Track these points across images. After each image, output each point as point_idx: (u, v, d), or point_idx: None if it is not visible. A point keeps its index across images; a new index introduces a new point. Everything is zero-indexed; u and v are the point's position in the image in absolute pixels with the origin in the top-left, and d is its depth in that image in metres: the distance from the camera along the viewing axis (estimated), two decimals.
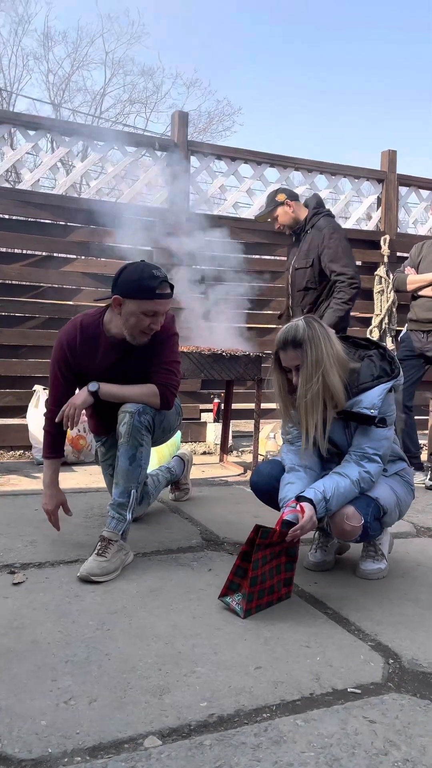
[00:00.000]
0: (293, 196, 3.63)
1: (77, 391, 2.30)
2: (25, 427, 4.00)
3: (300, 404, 2.01)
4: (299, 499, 1.95)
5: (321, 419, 2.01)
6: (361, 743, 1.29)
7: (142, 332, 2.22)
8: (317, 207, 3.61)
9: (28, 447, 4.05)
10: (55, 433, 2.42)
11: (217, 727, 1.33)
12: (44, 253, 4.37)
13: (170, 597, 1.97)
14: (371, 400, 2.01)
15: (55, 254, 4.38)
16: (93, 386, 2.24)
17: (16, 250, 4.51)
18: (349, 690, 1.49)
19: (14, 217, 4.22)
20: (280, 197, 3.58)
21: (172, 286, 2.22)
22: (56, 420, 2.27)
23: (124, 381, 2.29)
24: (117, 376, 2.30)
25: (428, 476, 3.73)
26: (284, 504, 2.04)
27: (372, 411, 2.01)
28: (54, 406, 2.40)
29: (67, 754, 1.23)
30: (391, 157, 5.32)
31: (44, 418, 2.42)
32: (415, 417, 3.98)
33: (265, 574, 1.89)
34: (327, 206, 5.16)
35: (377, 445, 2.05)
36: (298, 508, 1.91)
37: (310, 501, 1.92)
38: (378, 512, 2.05)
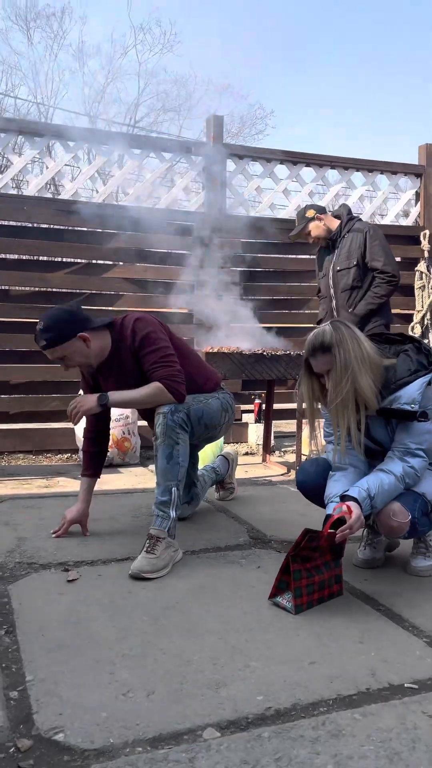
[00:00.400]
0: (321, 210, 3.78)
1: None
2: (71, 431, 4.09)
3: (331, 408, 2.01)
4: (344, 498, 1.94)
5: (354, 421, 2.00)
6: (422, 738, 1.28)
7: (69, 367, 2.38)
8: (350, 214, 3.78)
9: (75, 450, 4.13)
10: (92, 451, 2.52)
11: (274, 720, 1.34)
12: (85, 261, 4.46)
13: (220, 593, 1.98)
14: (410, 395, 1.99)
15: (97, 261, 4.47)
16: (102, 398, 2.26)
17: (58, 259, 4.61)
18: (405, 685, 1.48)
19: (55, 227, 4.32)
20: (310, 213, 3.73)
21: (47, 338, 2.25)
22: (68, 412, 2.32)
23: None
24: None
25: None
26: (329, 501, 2.04)
27: (412, 406, 1.98)
28: (92, 428, 2.51)
29: (128, 744, 1.26)
30: (429, 150, 5.24)
31: (83, 438, 2.52)
32: None
33: (311, 569, 1.89)
34: (365, 203, 5.14)
35: (419, 440, 2.03)
36: (344, 508, 1.90)
37: (355, 500, 1.91)
38: (426, 507, 2.02)
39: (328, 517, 1.96)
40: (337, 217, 3.76)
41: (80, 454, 4.02)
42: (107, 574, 2.13)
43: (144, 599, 1.93)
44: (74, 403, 2.29)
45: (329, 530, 1.87)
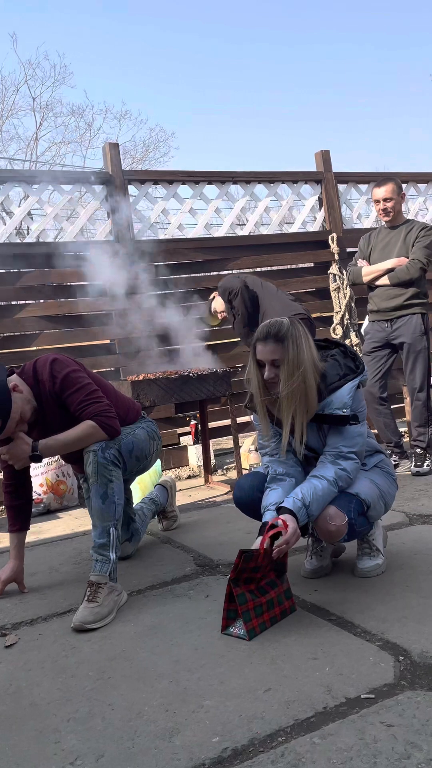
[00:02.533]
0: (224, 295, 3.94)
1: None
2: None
3: (281, 402, 1.99)
4: (279, 510, 1.91)
5: (300, 420, 1.99)
6: (382, 750, 1.25)
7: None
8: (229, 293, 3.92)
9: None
10: (15, 505, 2.38)
11: (232, 761, 1.27)
12: None
13: (170, 632, 1.90)
14: (341, 399, 2.00)
15: (8, 302, 4.32)
16: (35, 449, 2.13)
17: None
18: (362, 696, 1.45)
19: None
20: (218, 311, 4.18)
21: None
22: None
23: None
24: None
25: (413, 463, 3.72)
26: (265, 510, 2.02)
27: (344, 411, 1.99)
28: (9, 480, 2.37)
29: None
30: (324, 156, 5.39)
31: (3, 492, 2.38)
32: (392, 406, 3.99)
33: (255, 591, 1.84)
34: (270, 214, 5.23)
35: (352, 443, 2.03)
36: (279, 523, 1.86)
37: (290, 511, 1.89)
38: (361, 507, 2.02)
39: (263, 526, 1.93)
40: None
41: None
42: (48, 631, 2.01)
43: (89, 653, 1.82)
44: (3, 456, 2.15)
45: (264, 547, 1.83)
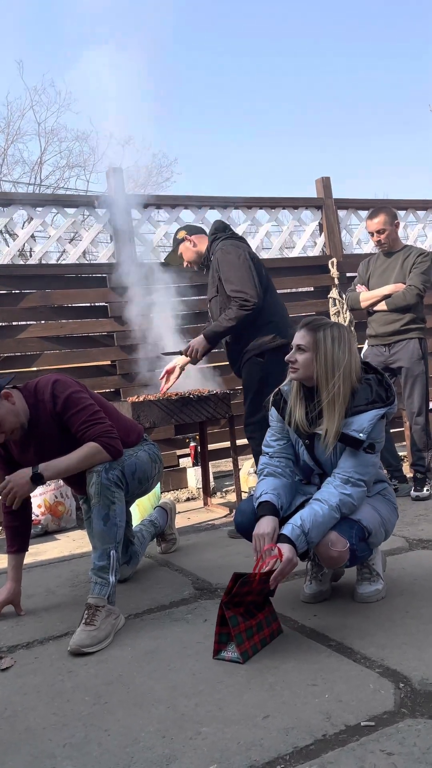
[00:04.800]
0: (195, 231, 3.39)
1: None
2: None
3: (322, 406, 2.03)
4: (279, 538, 1.91)
5: (335, 426, 2.01)
6: None
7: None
8: (215, 232, 3.30)
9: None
10: (13, 526, 2.36)
11: None
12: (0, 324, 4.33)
13: (167, 656, 1.88)
14: (361, 423, 2.00)
15: (10, 323, 4.35)
16: (36, 475, 2.10)
17: None
18: (362, 724, 1.43)
19: None
20: (180, 234, 3.38)
21: None
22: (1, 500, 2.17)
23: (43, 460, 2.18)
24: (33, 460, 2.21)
25: (413, 487, 3.71)
26: (256, 500, 2.06)
27: (361, 435, 1.99)
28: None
29: None
30: (325, 183, 5.47)
31: (2, 513, 2.36)
32: (391, 430, 3.99)
33: (245, 614, 1.83)
34: (272, 239, 5.28)
35: (363, 471, 2.03)
36: (275, 552, 1.86)
37: (288, 539, 1.88)
38: (363, 533, 2.02)
39: (256, 515, 2.00)
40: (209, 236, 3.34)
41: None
42: (45, 655, 1.99)
43: (85, 677, 1.80)
44: (6, 487, 2.12)
45: (261, 572, 1.82)
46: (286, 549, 1.86)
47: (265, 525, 1.96)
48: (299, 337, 2.06)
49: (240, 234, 3.69)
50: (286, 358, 2.09)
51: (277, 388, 2.21)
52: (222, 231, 3.31)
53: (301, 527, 1.90)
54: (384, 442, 2.12)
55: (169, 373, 3.43)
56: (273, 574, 1.83)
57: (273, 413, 2.20)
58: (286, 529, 1.90)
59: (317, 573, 2.24)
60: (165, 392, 3.55)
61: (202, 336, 3.21)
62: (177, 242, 3.42)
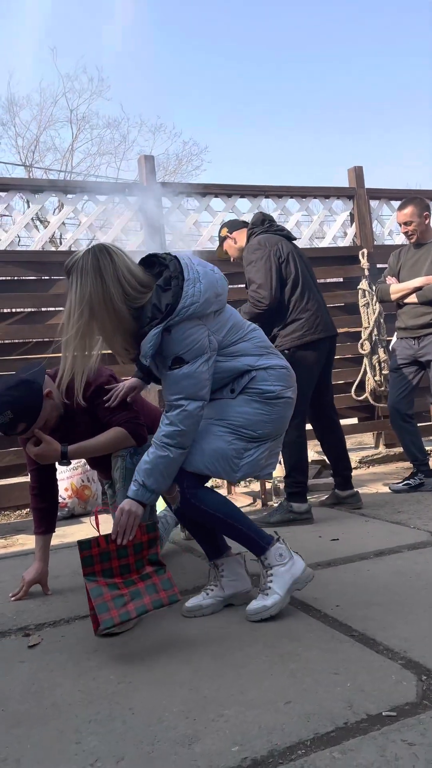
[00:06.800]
0: (237, 226, 3.50)
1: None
2: (27, 486, 3.96)
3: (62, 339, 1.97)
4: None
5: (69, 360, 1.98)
6: None
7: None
8: (252, 227, 3.39)
9: None
10: (41, 508, 2.42)
11: None
12: (29, 309, 4.39)
13: (190, 640, 1.91)
14: (144, 348, 1.86)
15: (41, 309, 4.41)
16: (63, 453, 2.18)
17: (1, 311, 4.53)
18: (384, 714, 1.44)
19: None
20: (223, 232, 3.51)
21: (26, 423, 2.15)
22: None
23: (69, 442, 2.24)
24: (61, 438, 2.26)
25: None
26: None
27: (146, 361, 1.88)
28: (36, 483, 2.41)
29: None
30: (357, 172, 5.41)
31: (30, 495, 2.42)
32: (419, 424, 3.95)
33: (119, 584, 1.86)
34: (302, 228, 5.24)
35: (175, 389, 1.89)
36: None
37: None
38: (193, 477, 1.97)
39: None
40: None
41: None
42: (71, 633, 2.03)
43: (110, 656, 1.84)
44: (34, 457, 2.20)
45: (102, 534, 1.88)
46: (125, 503, 1.90)
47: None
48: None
49: None
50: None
51: None
52: (260, 224, 3.38)
53: (135, 480, 1.93)
54: (202, 343, 1.89)
55: None
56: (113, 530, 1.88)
57: None
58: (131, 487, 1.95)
59: (210, 588, 2.14)
60: None
61: None
62: (221, 239, 3.53)
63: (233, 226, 3.52)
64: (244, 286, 3.56)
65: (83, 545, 1.87)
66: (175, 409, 1.89)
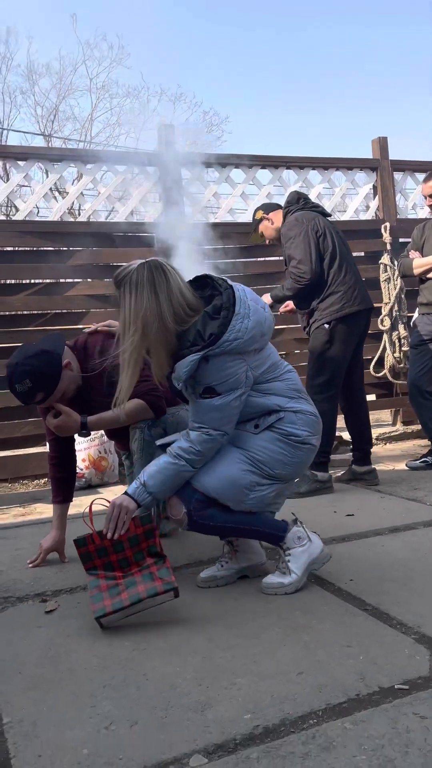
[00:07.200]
0: (272, 208, 3.55)
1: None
2: (46, 455, 4.00)
3: (120, 354, 1.97)
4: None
5: (128, 379, 1.96)
6: (414, 741, 1.24)
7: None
8: (288, 206, 3.44)
9: None
10: (59, 477, 2.44)
11: (263, 739, 1.29)
12: (48, 281, 4.39)
13: (203, 609, 1.93)
14: (179, 371, 1.86)
15: (59, 280, 4.41)
16: (83, 424, 2.20)
17: (17, 281, 4.54)
18: (396, 687, 1.44)
19: (11, 249, 4.25)
20: (258, 215, 3.55)
21: (45, 392, 2.15)
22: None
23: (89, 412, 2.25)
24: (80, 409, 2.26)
25: None
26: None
27: (178, 384, 1.89)
28: (55, 453, 2.42)
29: None
30: (382, 144, 5.27)
31: (48, 464, 2.45)
32: None
33: (117, 577, 1.88)
34: (323, 200, 5.14)
35: (201, 418, 1.90)
36: (106, 503, 1.93)
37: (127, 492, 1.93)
38: (204, 499, 1.95)
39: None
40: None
41: None
42: (87, 600, 2.05)
43: (125, 623, 1.86)
44: (54, 429, 2.21)
45: (97, 531, 1.89)
46: (117, 497, 1.91)
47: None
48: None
49: None
50: None
51: None
52: (295, 202, 3.44)
53: (139, 479, 1.92)
54: (239, 377, 1.87)
55: None
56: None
57: None
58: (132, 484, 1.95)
59: (224, 560, 2.15)
60: None
61: (267, 295, 3.47)
62: (256, 222, 3.57)
63: (268, 207, 3.58)
64: (266, 259, 3.59)
65: (79, 543, 1.89)
66: (195, 432, 1.91)
